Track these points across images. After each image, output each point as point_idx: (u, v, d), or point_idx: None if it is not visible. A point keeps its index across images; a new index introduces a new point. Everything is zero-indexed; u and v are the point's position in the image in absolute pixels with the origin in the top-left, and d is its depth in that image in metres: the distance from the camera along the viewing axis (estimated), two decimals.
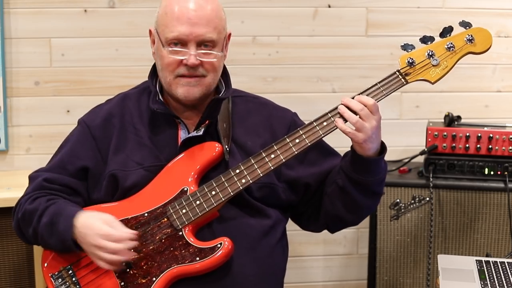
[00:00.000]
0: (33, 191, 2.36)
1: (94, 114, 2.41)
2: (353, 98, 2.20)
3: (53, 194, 2.33)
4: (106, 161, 2.33)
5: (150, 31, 2.34)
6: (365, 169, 2.25)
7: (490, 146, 3.09)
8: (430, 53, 2.24)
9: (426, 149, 3.14)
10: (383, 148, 2.27)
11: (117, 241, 2.16)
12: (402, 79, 2.24)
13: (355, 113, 2.17)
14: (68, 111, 3.24)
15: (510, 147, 3.08)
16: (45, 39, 3.20)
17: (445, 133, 3.11)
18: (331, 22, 3.36)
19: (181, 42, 2.23)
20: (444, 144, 3.12)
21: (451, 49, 2.24)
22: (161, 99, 2.34)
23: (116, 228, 2.18)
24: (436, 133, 3.11)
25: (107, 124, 2.36)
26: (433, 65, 2.24)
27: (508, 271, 2.24)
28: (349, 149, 2.29)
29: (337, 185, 2.31)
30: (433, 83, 2.26)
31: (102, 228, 2.17)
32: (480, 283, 2.16)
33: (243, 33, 3.29)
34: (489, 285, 2.16)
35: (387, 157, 3.40)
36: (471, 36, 2.25)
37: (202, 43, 2.24)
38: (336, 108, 2.22)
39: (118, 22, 3.24)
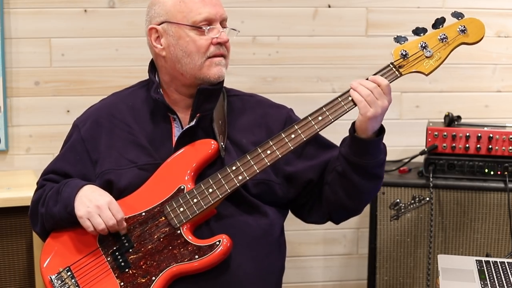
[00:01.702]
0: (37, 190, 2.42)
1: (86, 116, 2.44)
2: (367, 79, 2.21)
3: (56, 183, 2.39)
4: (97, 162, 2.35)
5: (150, 29, 2.34)
6: (364, 151, 2.24)
7: (490, 146, 3.09)
8: (423, 45, 2.24)
9: (426, 149, 3.14)
10: (381, 130, 2.26)
11: (118, 212, 2.22)
12: (396, 72, 2.24)
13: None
14: (68, 111, 3.25)
15: (510, 147, 3.08)
16: (45, 39, 3.20)
17: (445, 133, 3.11)
18: (331, 22, 3.36)
19: (209, 22, 2.27)
20: (444, 144, 3.12)
21: (444, 40, 2.25)
22: (161, 92, 2.35)
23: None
24: (436, 133, 3.11)
25: (96, 125, 2.38)
26: (427, 57, 2.24)
27: (508, 271, 2.24)
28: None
29: (337, 172, 2.30)
30: (427, 75, 2.26)
31: (108, 196, 2.25)
32: (480, 283, 2.16)
33: (243, 33, 3.27)
34: (489, 285, 2.16)
35: (388, 157, 3.42)
36: (464, 27, 2.25)
37: (222, 23, 2.30)
38: (331, 102, 2.22)
39: (118, 22, 3.24)
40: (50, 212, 2.30)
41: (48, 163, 2.46)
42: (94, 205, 2.21)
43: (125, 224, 2.23)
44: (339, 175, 2.30)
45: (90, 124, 2.38)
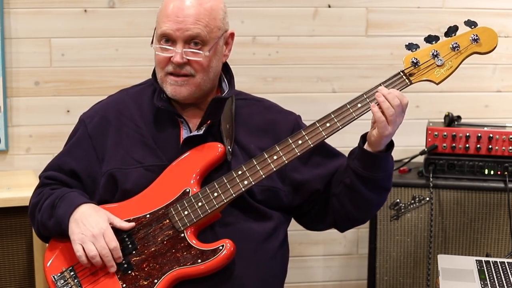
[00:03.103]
0: (37, 188, 2.41)
1: (93, 111, 2.42)
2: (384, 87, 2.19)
3: (56, 185, 2.37)
4: (103, 159, 2.33)
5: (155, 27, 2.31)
6: (375, 165, 2.23)
7: (490, 146, 3.09)
8: (435, 53, 2.22)
9: (426, 149, 3.14)
10: (390, 143, 2.25)
11: (111, 241, 2.20)
12: (406, 80, 2.22)
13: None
14: (68, 111, 3.24)
15: (510, 147, 3.08)
16: (45, 39, 3.20)
17: (445, 133, 3.11)
18: (331, 22, 3.36)
19: (170, 39, 2.22)
20: (444, 144, 3.12)
21: (456, 49, 2.22)
22: (165, 97, 2.33)
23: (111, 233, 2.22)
24: (436, 133, 3.11)
25: (104, 121, 2.36)
26: (438, 66, 2.22)
27: (508, 271, 2.24)
28: (353, 147, 2.28)
29: (345, 184, 2.29)
30: (437, 84, 2.24)
31: (104, 221, 2.22)
32: (480, 283, 2.16)
33: (243, 33, 3.29)
34: (489, 285, 2.16)
35: None
36: (476, 36, 2.22)
37: (190, 41, 2.22)
38: (340, 108, 2.21)
39: (118, 22, 3.24)
40: (45, 224, 2.30)
41: (47, 163, 2.45)
42: (90, 233, 2.19)
43: (119, 253, 2.20)
44: (347, 188, 2.29)
45: (98, 120, 2.36)
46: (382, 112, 2.15)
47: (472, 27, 2.24)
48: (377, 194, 2.30)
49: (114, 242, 2.20)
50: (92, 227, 2.20)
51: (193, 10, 2.22)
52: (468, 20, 2.23)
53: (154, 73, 2.36)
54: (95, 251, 2.18)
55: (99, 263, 2.20)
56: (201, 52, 2.23)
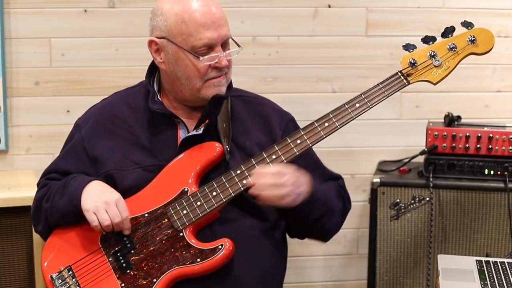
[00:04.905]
0: (40, 188, 2.41)
1: (87, 116, 2.43)
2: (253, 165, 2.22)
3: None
4: (97, 161, 2.33)
5: (150, 42, 2.29)
6: (300, 215, 2.29)
7: (490, 146, 3.09)
8: (432, 54, 2.23)
9: (426, 149, 3.14)
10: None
11: (124, 211, 2.22)
12: (404, 80, 2.23)
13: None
14: (68, 111, 3.24)
15: (510, 147, 3.08)
16: (45, 39, 3.20)
17: (445, 133, 3.11)
18: (331, 22, 3.36)
19: (209, 47, 2.22)
20: (444, 144, 3.11)
21: (453, 49, 2.24)
22: (160, 99, 2.33)
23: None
24: (436, 133, 3.11)
25: (97, 125, 2.37)
26: (435, 66, 2.24)
27: (508, 271, 2.24)
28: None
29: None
30: (435, 84, 2.25)
31: (116, 193, 2.24)
32: (480, 283, 2.16)
33: (243, 33, 3.29)
34: (489, 285, 2.15)
35: (388, 157, 3.43)
36: (473, 37, 2.24)
37: (224, 43, 2.25)
38: (338, 108, 2.22)
39: (118, 22, 3.24)
40: (55, 206, 2.29)
41: (48, 163, 2.47)
42: (102, 200, 2.20)
43: (129, 224, 2.22)
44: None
45: (92, 124, 2.38)
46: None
47: (469, 28, 2.25)
48: (315, 224, 2.34)
49: (126, 212, 2.21)
50: (105, 196, 2.22)
51: (219, 11, 2.23)
52: (464, 21, 2.25)
53: (147, 76, 2.37)
54: (108, 220, 2.19)
55: (111, 230, 2.21)
56: (236, 48, 2.27)
